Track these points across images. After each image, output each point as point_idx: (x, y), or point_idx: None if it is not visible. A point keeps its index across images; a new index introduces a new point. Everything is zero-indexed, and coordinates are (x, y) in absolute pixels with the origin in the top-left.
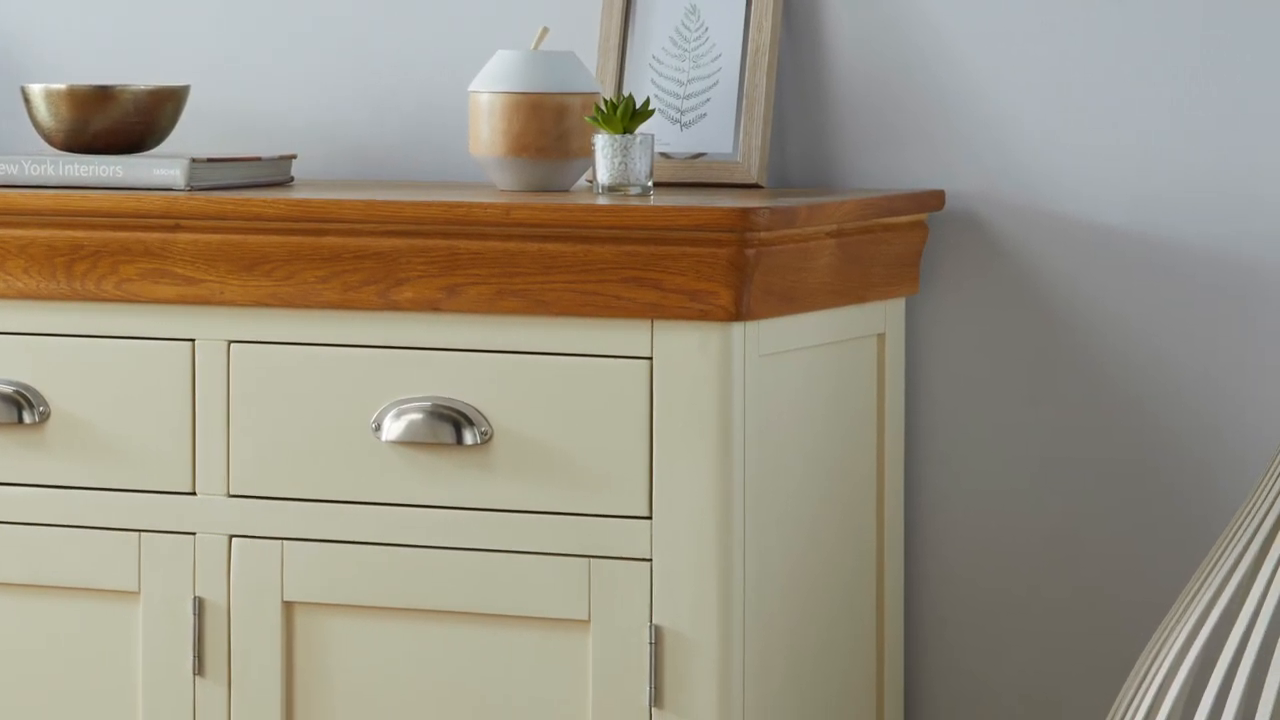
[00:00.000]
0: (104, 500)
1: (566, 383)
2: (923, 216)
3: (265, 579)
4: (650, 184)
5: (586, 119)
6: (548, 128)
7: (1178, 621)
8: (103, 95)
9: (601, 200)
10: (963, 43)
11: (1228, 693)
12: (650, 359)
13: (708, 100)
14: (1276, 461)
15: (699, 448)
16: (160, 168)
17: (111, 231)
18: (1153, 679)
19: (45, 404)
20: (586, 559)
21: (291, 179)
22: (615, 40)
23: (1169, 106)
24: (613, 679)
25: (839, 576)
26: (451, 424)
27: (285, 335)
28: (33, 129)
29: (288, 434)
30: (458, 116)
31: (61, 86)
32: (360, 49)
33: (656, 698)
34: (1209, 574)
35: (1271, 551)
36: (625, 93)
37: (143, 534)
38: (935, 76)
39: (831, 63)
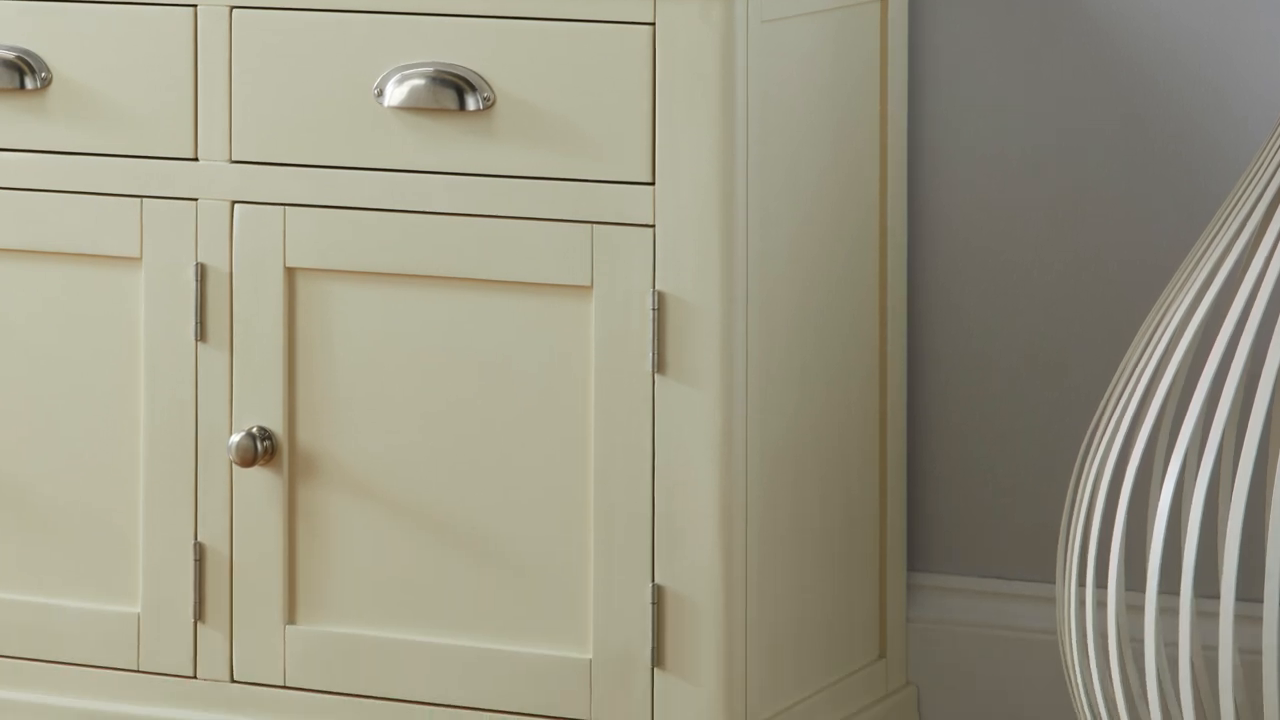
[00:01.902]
0: (106, 166)
1: (569, 49)
2: None
3: (267, 245)
4: None
5: None
6: None
7: (1182, 286)
8: None
9: None
10: None
11: (1232, 356)
12: (653, 25)
13: None
14: (1279, 129)
15: (701, 113)
16: None
17: None
18: (1158, 343)
19: (47, 69)
20: (589, 225)
21: None
22: None
23: None
24: (615, 345)
25: (842, 244)
26: (454, 89)
27: (288, 1)
28: None
29: (290, 100)
30: None
31: None
32: None
33: (659, 363)
34: (1213, 238)
35: (1274, 220)
36: None
37: (144, 200)
38: None
39: None
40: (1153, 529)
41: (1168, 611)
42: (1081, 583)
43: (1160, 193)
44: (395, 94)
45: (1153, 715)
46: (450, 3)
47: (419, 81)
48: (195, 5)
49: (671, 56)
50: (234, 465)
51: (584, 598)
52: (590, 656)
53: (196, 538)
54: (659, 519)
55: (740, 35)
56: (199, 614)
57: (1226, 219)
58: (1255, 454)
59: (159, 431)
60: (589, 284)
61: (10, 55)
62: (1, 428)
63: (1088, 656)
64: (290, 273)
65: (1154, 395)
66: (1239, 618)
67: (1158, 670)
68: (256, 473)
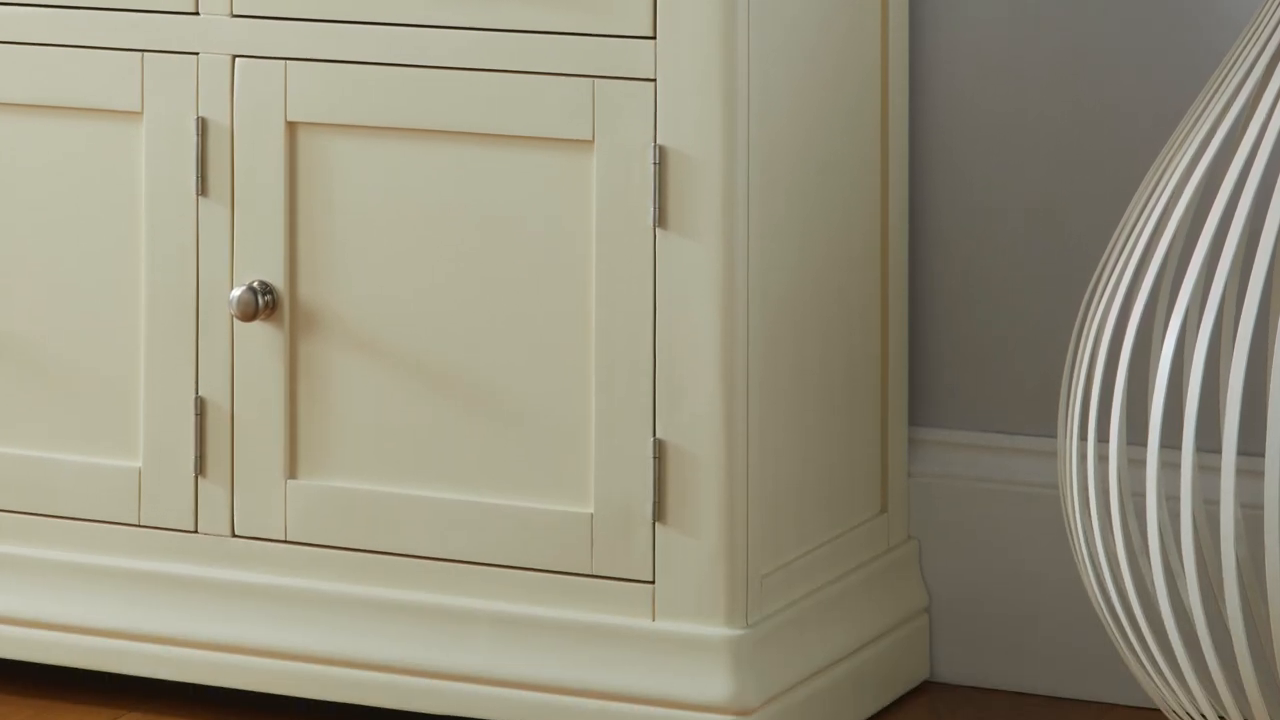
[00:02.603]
0: (107, 20)
1: None
2: None
3: (268, 99)
4: None
5: None
6: None
7: (1184, 141)
8: None
9: None
10: None
11: (1234, 210)
12: None
13: None
14: None
15: None
16: None
17: None
18: (1160, 195)
19: None
20: (590, 79)
21: None
22: None
23: None
24: (616, 200)
25: (843, 98)
26: None
27: None
28: None
29: None
30: None
31: None
32: None
33: (660, 218)
34: (1214, 93)
35: (1276, 76)
36: None
37: (145, 54)
38: None
39: None
40: (1154, 382)
41: (1169, 465)
42: (1083, 437)
43: (1162, 46)
44: None
45: (1154, 569)
46: None
47: None
48: None
49: None
50: (235, 320)
51: (585, 452)
52: (591, 511)
53: (197, 392)
54: (660, 373)
55: None
56: (200, 469)
57: (1227, 74)
58: (1258, 305)
59: (160, 286)
60: (590, 138)
61: None
62: (4, 283)
63: (1089, 511)
64: (291, 127)
65: (1156, 249)
66: (1240, 472)
67: (1159, 524)
68: (258, 327)
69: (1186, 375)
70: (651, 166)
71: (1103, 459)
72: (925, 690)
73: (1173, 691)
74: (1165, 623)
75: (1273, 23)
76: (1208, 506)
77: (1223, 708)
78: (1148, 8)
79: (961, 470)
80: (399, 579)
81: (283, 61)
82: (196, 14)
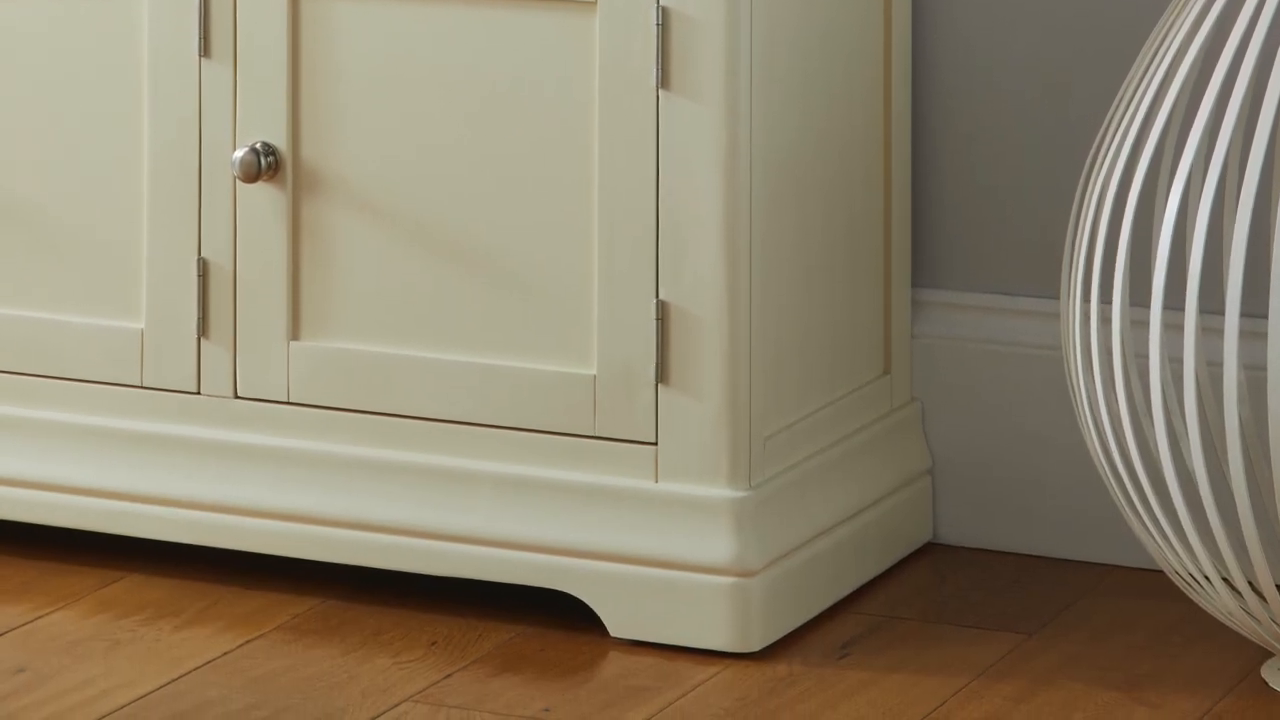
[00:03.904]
0: None
1: None
2: None
3: None
4: None
5: None
6: None
7: (1184, 6)
8: None
9: None
10: None
11: (1236, 72)
12: None
13: None
14: None
15: None
16: None
17: None
18: (1163, 55)
19: None
20: None
21: None
22: None
23: None
24: (619, 61)
25: None
26: None
27: None
28: None
29: None
30: None
31: None
32: None
33: (663, 79)
34: None
35: None
36: None
37: None
38: None
39: None
40: (1157, 243)
41: (1171, 327)
42: (1086, 298)
43: None
44: None
45: (1157, 430)
46: None
47: None
48: None
49: None
50: (238, 181)
51: (588, 313)
52: (594, 372)
53: (200, 254)
54: (663, 234)
55: None
56: (203, 330)
57: None
58: (1260, 166)
59: (163, 148)
60: (593, 0)
61: None
62: (6, 147)
63: (1092, 372)
64: None
65: (1159, 109)
66: (1243, 333)
67: (1162, 385)
68: (260, 188)
69: (1189, 236)
70: (654, 28)
71: (1106, 320)
72: (928, 552)
73: (1175, 552)
74: (1168, 483)
75: None
76: (1210, 368)
77: (1225, 568)
78: None
79: (965, 332)
80: (401, 440)
81: None
82: None
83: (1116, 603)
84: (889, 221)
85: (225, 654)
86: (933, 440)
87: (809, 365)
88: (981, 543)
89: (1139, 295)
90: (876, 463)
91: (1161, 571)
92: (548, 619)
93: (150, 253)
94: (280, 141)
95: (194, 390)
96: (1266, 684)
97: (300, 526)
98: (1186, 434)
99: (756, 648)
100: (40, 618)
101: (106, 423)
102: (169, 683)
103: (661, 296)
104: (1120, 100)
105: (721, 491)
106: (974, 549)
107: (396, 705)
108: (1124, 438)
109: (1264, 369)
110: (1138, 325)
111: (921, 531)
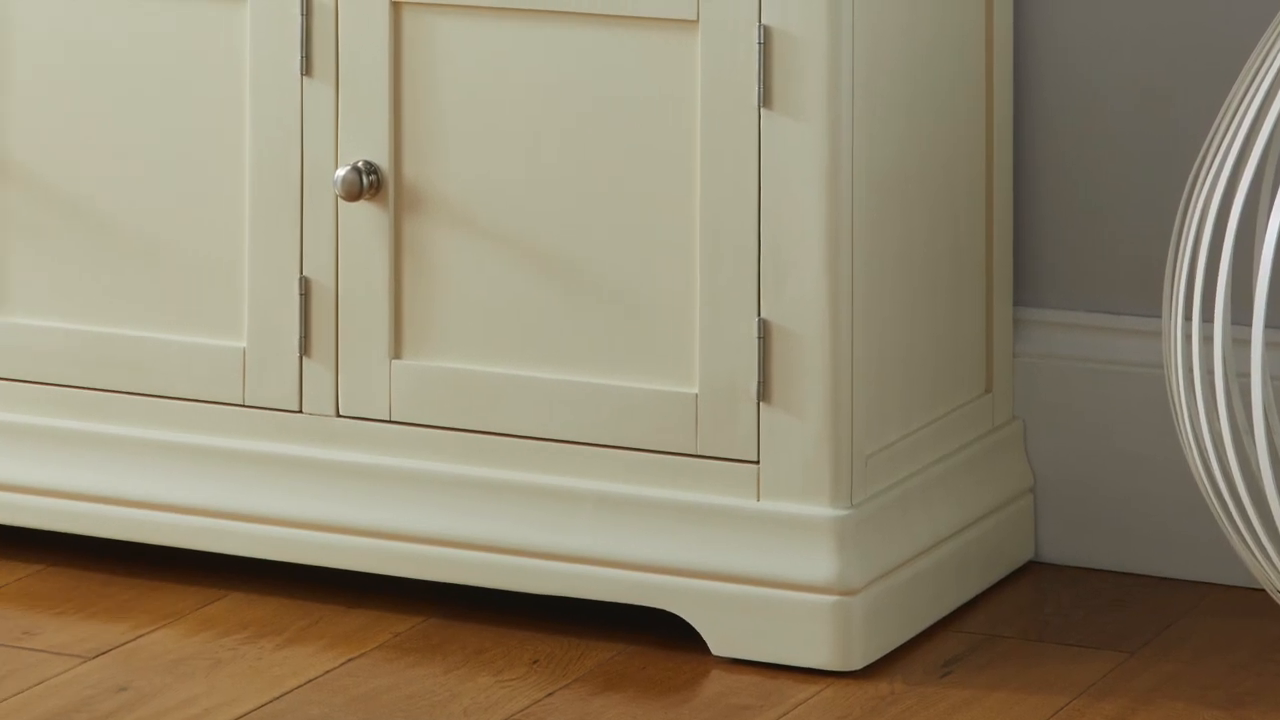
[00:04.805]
0: None
1: None
2: None
3: None
4: None
5: None
6: None
7: None
8: None
9: None
10: None
11: None
12: None
13: None
14: None
15: None
16: None
17: None
18: (1265, 72)
19: None
20: None
21: None
22: None
23: None
24: (721, 80)
25: None
26: None
27: None
28: None
29: None
30: None
31: None
32: None
33: (765, 98)
34: None
35: None
36: None
37: None
38: None
39: None
40: (1259, 261)
41: (1274, 346)
42: (1188, 317)
43: None
44: None
45: (1259, 448)
46: None
47: None
48: None
49: None
50: (339, 199)
51: (690, 332)
52: (696, 391)
53: (302, 272)
54: (765, 253)
55: None
56: (304, 348)
57: None
58: None
59: (265, 166)
60: (695, 18)
61: None
62: (110, 164)
63: (1193, 391)
64: (396, 6)
65: (1261, 126)
66: None
67: (1264, 404)
68: (362, 207)
69: None
70: (756, 46)
71: (1207, 339)
72: (1029, 570)
73: (1276, 570)
74: (1269, 501)
75: None
76: None
77: None
78: None
79: (1066, 350)
80: (503, 459)
81: None
82: None
83: (1218, 621)
84: (991, 239)
85: (327, 672)
86: (1034, 459)
87: (911, 384)
88: (1082, 561)
89: (1240, 314)
90: (978, 481)
91: (1263, 590)
92: (649, 637)
93: (252, 271)
94: (382, 160)
95: (295, 409)
96: None
97: (401, 545)
98: None
99: (858, 666)
100: (142, 636)
101: (208, 441)
102: (270, 701)
103: (763, 315)
104: (1222, 117)
105: (823, 510)
106: (1075, 567)
107: None
108: (1225, 456)
109: None
110: (1239, 344)
111: (1023, 550)
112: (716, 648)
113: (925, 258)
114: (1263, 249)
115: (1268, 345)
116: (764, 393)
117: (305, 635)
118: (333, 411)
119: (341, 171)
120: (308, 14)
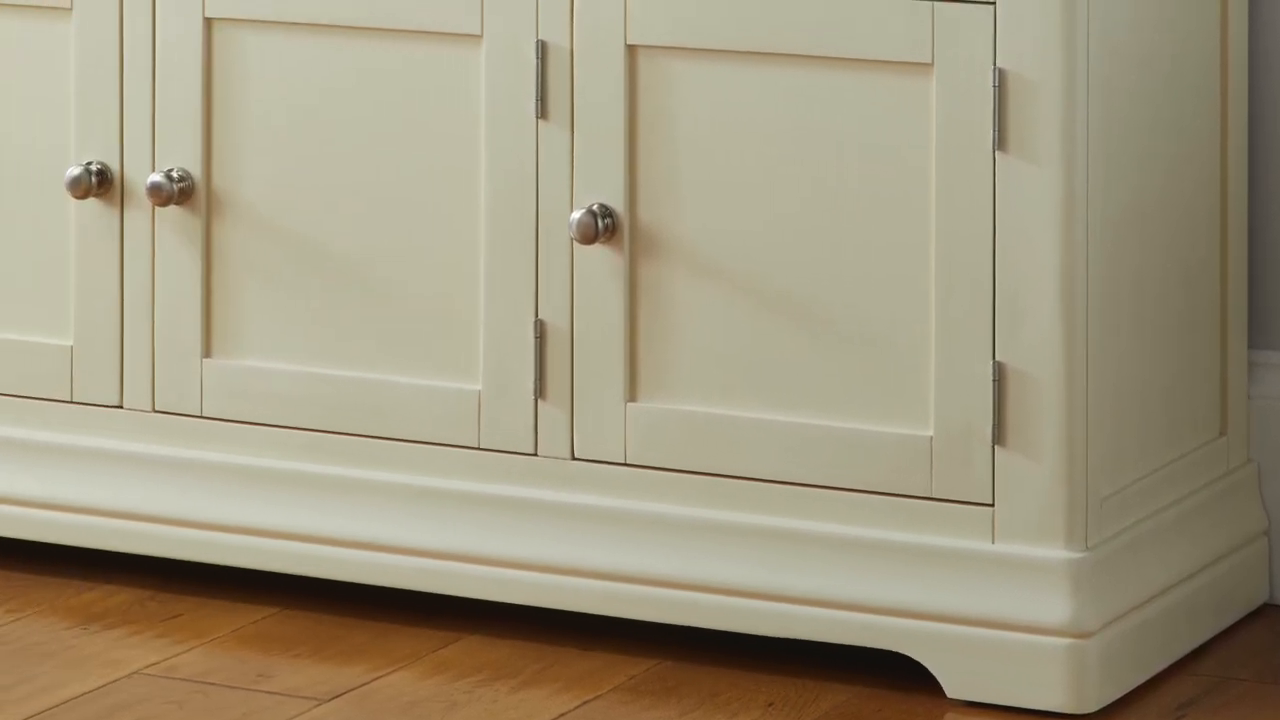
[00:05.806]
0: None
1: None
2: None
3: (609, 22)
4: None
5: None
6: None
7: None
8: None
9: None
10: None
11: None
12: None
13: None
14: None
15: None
16: None
17: None
18: None
19: None
20: (930, 1)
21: None
22: None
23: None
24: (955, 123)
25: (1180, 13)
26: None
27: None
28: None
29: None
30: None
31: None
32: None
33: (1000, 141)
34: None
35: None
36: None
37: None
38: None
39: None
40: None
41: None
42: None
43: None
44: None
45: None
46: None
47: None
48: None
49: None
50: (575, 243)
51: (925, 375)
52: (931, 433)
53: (537, 315)
54: (1000, 296)
55: None
56: (540, 391)
57: None
58: None
59: (499, 209)
60: (930, 61)
61: None
62: (344, 206)
63: None
64: (631, 50)
65: None
66: None
67: None
68: (597, 250)
69: None
70: (991, 90)
71: None
72: (1264, 613)
73: None
74: None
75: None
76: None
77: None
78: None
79: None
80: (736, 501)
81: None
82: None
83: None
84: (1225, 280)
85: (563, 715)
86: (1269, 502)
87: (1146, 427)
88: None
89: None
90: (1212, 524)
91: None
92: (884, 680)
93: (486, 314)
94: (617, 203)
95: (531, 451)
96: None
97: (636, 587)
98: None
99: (1093, 709)
100: (378, 679)
101: (443, 484)
102: None
103: (998, 357)
104: None
105: (1059, 553)
106: None
107: None
108: None
109: None
110: None
111: (1258, 593)
112: (951, 690)
113: (1160, 300)
114: None
115: None
116: (999, 435)
117: (540, 678)
118: (568, 454)
119: (577, 214)
120: (543, 57)
